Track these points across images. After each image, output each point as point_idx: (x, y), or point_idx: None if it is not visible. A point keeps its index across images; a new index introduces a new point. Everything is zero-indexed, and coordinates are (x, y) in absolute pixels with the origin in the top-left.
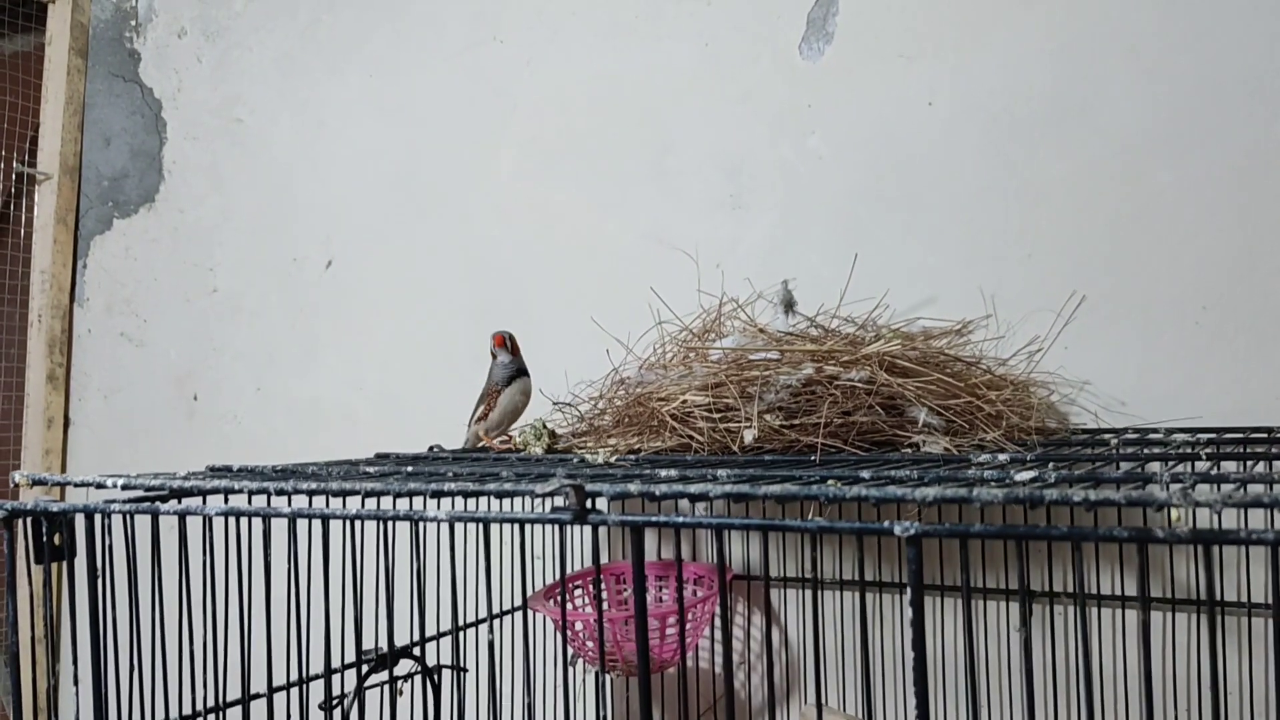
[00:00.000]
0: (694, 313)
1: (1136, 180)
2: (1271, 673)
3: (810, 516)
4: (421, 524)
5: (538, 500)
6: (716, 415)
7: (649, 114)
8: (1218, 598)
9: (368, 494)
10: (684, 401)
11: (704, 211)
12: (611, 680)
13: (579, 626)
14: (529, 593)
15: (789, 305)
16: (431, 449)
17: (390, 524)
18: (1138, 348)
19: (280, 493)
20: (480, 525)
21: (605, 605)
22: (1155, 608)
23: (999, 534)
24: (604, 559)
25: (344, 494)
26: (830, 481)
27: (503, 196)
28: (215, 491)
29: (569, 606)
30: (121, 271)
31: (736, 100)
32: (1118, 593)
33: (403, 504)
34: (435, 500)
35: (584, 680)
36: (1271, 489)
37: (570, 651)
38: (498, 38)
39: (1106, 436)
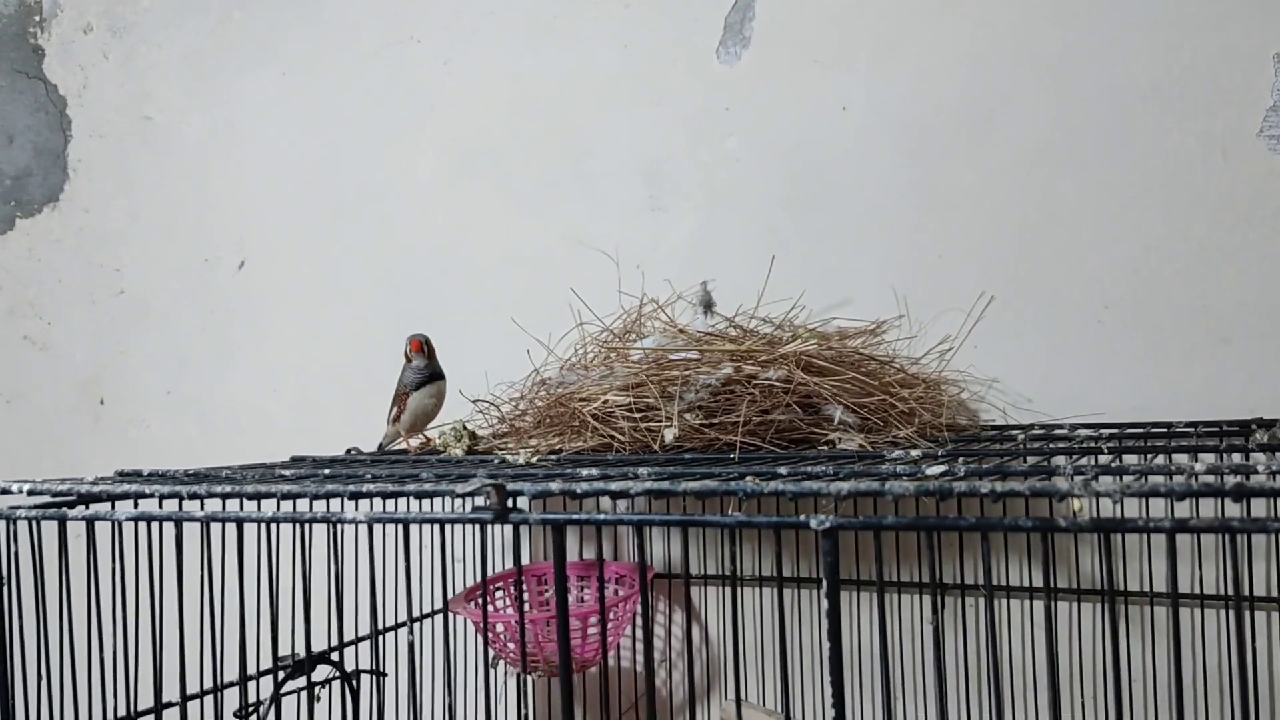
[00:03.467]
0: (615, 313)
1: (1041, 186)
2: (1148, 656)
3: (729, 512)
4: (340, 526)
5: (458, 500)
6: (637, 415)
7: (568, 115)
8: (1119, 587)
9: (284, 496)
10: (605, 401)
11: (624, 213)
12: (533, 681)
13: (500, 628)
14: (450, 594)
15: (708, 306)
16: (349, 451)
17: (308, 527)
18: (1043, 346)
19: (193, 496)
20: (400, 526)
21: (527, 606)
22: (1061, 598)
23: (911, 525)
24: (525, 559)
25: (259, 496)
26: (749, 478)
27: (421, 197)
28: (125, 496)
29: (490, 608)
30: (25, 273)
31: (655, 103)
32: (1027, 584)
33: (320, 506)
34: (354, 502)
35: (505, 682)
36: (1170, 479)
37: (491, 653)
38: (414, 37)
39: (1014, 433)
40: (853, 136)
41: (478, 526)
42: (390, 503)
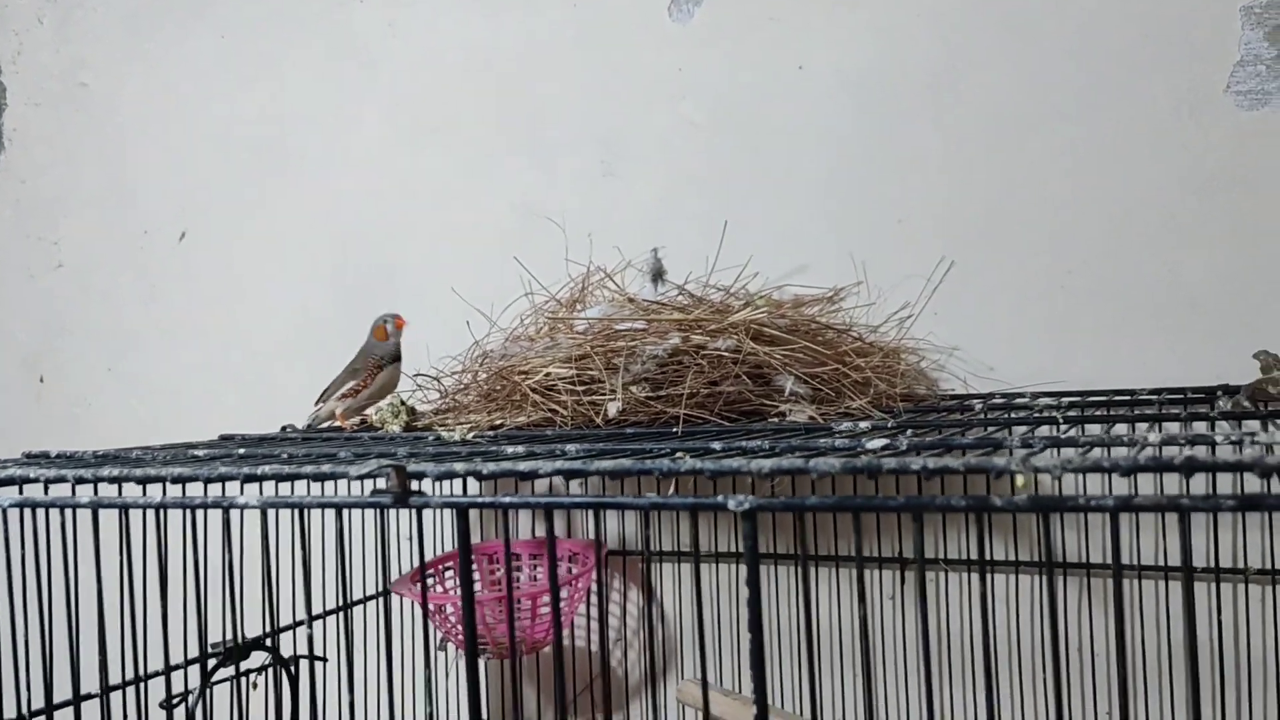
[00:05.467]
0: (563, 282)
1: (1004, 147)
2: (1112, 631)
3: (665, 492)
4: (233, 511)
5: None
6: (581, 388)
7: (516, 77)
8: (1082, 558)
9: (174, 480)
10: (547, 374)
11: (575, 179)
12: (485, 663)
13: (448, 610)
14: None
15: (658, 274)
16: (284, 429)
17: (207, 511)
18: (1005, 313)
19: (80, 481)
20: (298, 511)
21: (479, 587)
22: (1024, 571)
23: (835, 506)
24: (475, 539)
25: (147, 480)
26: (679, 454)
27: (366, 164)
28: (10, 482)
29: (438, 589)
30: None
31: (606, 64)
32: (977, 556)
33: (214, 489)
34: (248, 485)
35: (456, 664)
36: (1109, 452)
37: (440, 635)
38: None
39: (973, 402)
40: (810, 97)
41: (378, 510)
42: (288, 486)
